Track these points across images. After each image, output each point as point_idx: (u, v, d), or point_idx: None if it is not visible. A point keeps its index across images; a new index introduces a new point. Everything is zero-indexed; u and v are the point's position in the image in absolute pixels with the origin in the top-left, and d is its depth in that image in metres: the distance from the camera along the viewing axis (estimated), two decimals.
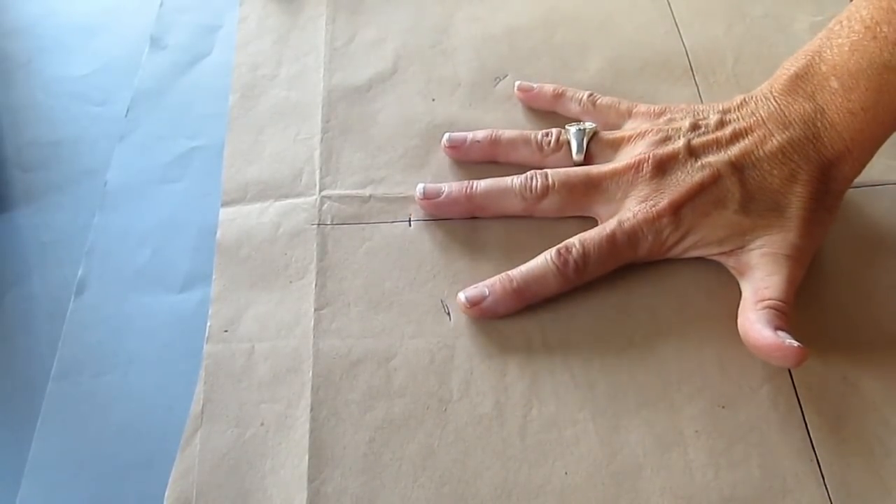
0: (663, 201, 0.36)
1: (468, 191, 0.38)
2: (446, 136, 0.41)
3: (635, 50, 0.47)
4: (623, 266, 0.36)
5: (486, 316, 0.35)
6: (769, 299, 0.33)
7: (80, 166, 0.43)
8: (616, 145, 0.39)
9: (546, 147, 0.40)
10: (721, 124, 0.37)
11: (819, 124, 0.35)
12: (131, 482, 0.32)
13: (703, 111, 0.39)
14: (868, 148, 0.35)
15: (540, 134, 0.40)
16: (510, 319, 0.36)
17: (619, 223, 0.36)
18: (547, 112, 0.44)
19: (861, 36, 0.33)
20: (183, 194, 0.41)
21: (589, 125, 0.40)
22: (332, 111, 0.44)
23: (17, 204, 0.42)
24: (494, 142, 0.40)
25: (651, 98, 0.44)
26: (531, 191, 0.38)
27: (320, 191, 0.40)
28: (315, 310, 0.36)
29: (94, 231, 0.40)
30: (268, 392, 0.34)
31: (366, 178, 0.41)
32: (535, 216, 0.38)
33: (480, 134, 0.41)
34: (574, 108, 0.42)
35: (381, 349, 0.35)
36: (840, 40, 0.34)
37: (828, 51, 0.35)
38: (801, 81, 0.36)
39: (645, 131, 0.38)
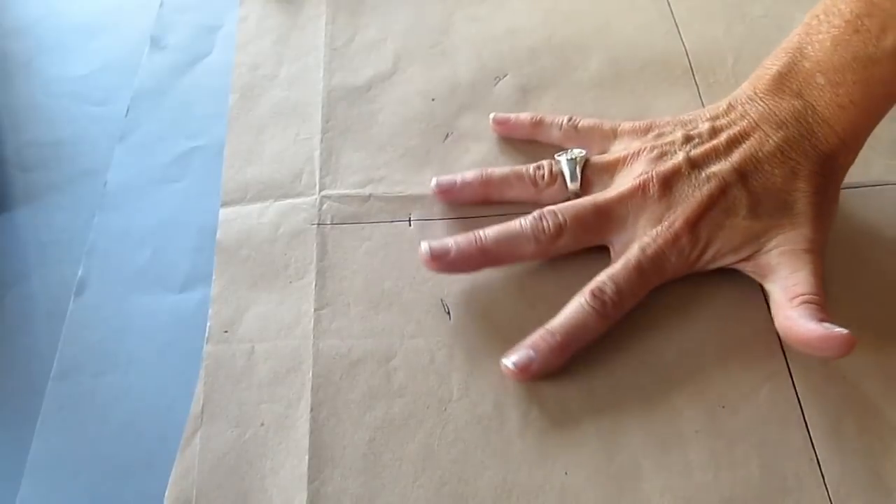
0: (679, 220, 0.35)
1: (479, 243, 0.35)
2: (434, 180, 0.39)
3: (635, 50, 0.47)
4: None
5: (537, 378, 0.34)
6: (803, 294, 0.33)
7: (80, 166, 0.43)
8: (611, 169, 0.38)
9: (540, 181, 0.38)
10: (714, 132, 0.37)
11: (811, 120, 0.35)
12: (131, 482, 0.32)
13: (690, 121, 0.38)
14: (861, 136, 0.35)
15: (532, 168, 0.39)
16: (510, 319, 0.36)
17: (642, 250, 0.35)
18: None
19: (842, 31, 0.33)
20: (183, 194, 0.41)
21: (579, 153, 0.38)
22: (332, 111, 0.44)
23: (17, 204, 0.42)
24: (486, 182, 0.39)
25: (651, 98, 0.44)
26: (544, 231, 0.35)
27: (320, 191, 0.40)
28: (315, 310, 0.36)
29: (94, 231, 0.40)
30: (268, 392, 0.34)
31: (366, 178, 0.41)
32: (549, 257, 0.37)
33: (470, 175, 0.39)
34: (555, 135, 0.41)
35: (381, 349, 0.35)
36: (820, 36, 0.34)
37: (809, 47, 0.34)
38: (785, 80, 0.35)
39: (638, 150, 0.37)
